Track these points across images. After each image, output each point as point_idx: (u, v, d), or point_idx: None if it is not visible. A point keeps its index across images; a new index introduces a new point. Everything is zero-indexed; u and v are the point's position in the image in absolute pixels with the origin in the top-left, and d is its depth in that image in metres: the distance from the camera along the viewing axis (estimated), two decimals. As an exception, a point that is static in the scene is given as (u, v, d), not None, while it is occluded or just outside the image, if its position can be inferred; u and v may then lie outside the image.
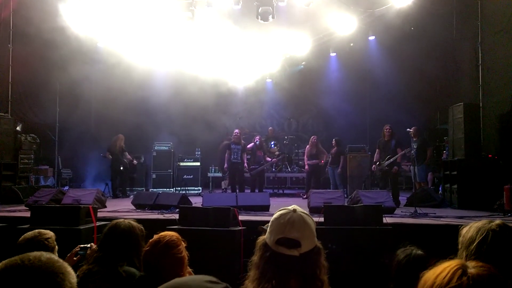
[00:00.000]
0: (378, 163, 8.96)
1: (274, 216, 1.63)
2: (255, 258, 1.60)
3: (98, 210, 6.46)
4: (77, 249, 3.18)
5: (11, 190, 8.96)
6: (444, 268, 1.06)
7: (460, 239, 1.97)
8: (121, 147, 11.13)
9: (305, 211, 1.63)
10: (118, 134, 11.23)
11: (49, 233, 2.84)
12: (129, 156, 11.34)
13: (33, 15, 10.16)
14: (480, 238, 1.87)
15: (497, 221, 1.95)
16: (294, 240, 1.52)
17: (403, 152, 8.69)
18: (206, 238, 4.94)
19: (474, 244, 1.87)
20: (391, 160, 8.63)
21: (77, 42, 10.81)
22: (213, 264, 4.52)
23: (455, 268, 1.05)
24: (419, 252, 2.54)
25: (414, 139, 9.13)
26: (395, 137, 8.88)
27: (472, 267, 1.06)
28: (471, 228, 1.95)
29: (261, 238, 1.62)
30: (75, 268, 3.00)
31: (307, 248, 1.54)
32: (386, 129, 8.93)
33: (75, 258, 3.15)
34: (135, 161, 11.76)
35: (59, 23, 10.53)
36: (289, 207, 1.63)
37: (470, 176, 8.14)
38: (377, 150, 9.20)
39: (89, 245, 3.21)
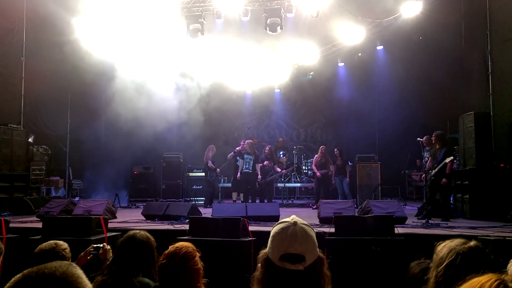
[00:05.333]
0: (426, 172, 8.32)
1: (275, 230, 1.58)
2: (257, 273, 1.57)
3: (109, 220, 6.48)
4: (90, 248, 3.23)
5: (22, 201, 9.04)
6: (483, 284, 1.02)
7: (434, 256, 1.93)
8: (207, 158, 11.52)
9: (305, 222, 1.59)
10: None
11: (65, 244, 2.89)
12: (210, 165, 11.55)
13: (45, 29, 10.35)
14: (449, 260, 1.83)
15: (472, 243, 1.89)
16: (298, 255, 1.50)
17: (452, 164, 7.98)
18: (216, 249, 4.93)
19: (443, 266, 1.84)
20: (436, 170, 7.97)
21: (88, 55, 10.97)
22: (224, 275, 4.51)
23: (496, 283, 1.01)
24: None
25: (427, 148, 8.99)
26: (446, 146, 8.10)
27: (510, 281, 1.02)
28: (444, 247, 1.91)
29: (263, 252, 1.59)
30: (87, 268, 3.03)
31: (311, 260, 1.52)
32: (432, 138, 8.31)
33: (88, 258, 3.18)
34: (218, 169, 11.72)
35: (71, 37, 10.72)
36: (289, 219, 1.59)
37: (482, 186, 8.03)
38: (429, 158, 8.48)
39: (101, 245, 3.25)
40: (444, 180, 7.86)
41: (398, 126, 13.00)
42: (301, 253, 1.50)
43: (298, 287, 1.49)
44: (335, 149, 11.40)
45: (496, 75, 9.58)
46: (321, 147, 11.38)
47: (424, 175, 8.34)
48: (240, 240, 5.12)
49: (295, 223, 1.56)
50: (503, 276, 1.04)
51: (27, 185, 10.26)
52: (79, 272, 1.13)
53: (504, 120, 9.09)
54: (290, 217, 1.62)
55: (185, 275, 2.41)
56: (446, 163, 7.80)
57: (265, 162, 11.30)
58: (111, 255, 3.16)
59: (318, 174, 10.87)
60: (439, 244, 1.96)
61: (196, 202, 10.98)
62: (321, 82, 14.72)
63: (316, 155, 11.27)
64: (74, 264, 1.16)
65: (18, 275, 1.07)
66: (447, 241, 1.94)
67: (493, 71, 9.68)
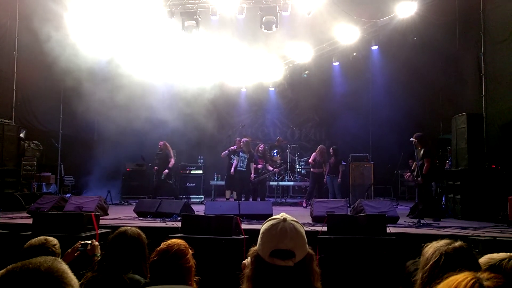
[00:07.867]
0: (411, 172, 8.47)
1: (264, 226, 1.58)
2: (247, 271, 1.57)
3: (101, 217, 6.44)
4: (78, 245, 3.20)
5: (13, 196, 8.95)
6: (459, 282, 1.03)
7: (421, 258, 1.93)
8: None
9: (294, 219, 1.59)
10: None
11: (55, 240, 2.85)
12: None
13: (38, 23, 10.24)
14: (433, 261, 1.84)
15: (457, 243, 1.90)
16: (288, 251, 1.50)
17: (429, 164, 8.05)
18: (209, 247, 4.92)
19: (428, 267, 1.84)
20: (417, 170, 8.13)
21: (81, 51, 10.87)
22: (216, 273, 4.49)
23: (471, 281, 1.01)
24: None
25: (419, 148, 9.02)
26: (425, 147, 8.25)
27: (486, 279, 1.02)
28: (430, 248, 1.91)
29: (253, 250, 1.59)
30: (77, 265, 3.00)
31: (300, 257, 1.52)
32: (413, 139, 8.38)
33: (75, 254, 3.16)
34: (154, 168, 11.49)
35: (64, 31, 10.62)
36: (279, 216, 1.59)
37: (474, 186, 8.11)
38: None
39: (89, 242, 3.22)
40: (419, 179, 7.99)
41: (392, 126, 13.04)
42: (291, 249, 1.50)
43: (288, 283, 1.48)
44: (331, 148, 11.37)
45: (489, 76, 9.64)
46: (321, 146, 11.41)
47: (410, 174, 8.48)
48: (232, 238, 5.11)
49: (284, 220, 1.56)
50: (478, 274, 1.04)
51: (18, 181, 10.16)
52: (64, 267, 1.12)
53: (496, 121, 9.15)
54: (279, 214, 1.62)
55: (177, 273, 2.38)
56: (423, 164, 7.94)
57: (259, 166, 11.27)
58: (100, 251, 3.13)
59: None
60: (426, 245, 1.96)
61: (189, 200, 10.95)
62: (315, 81, 14.73)
63: (313, 154, 11.28)
64: (59, 260, 1.15)
65: (1, 271, 1.06)
66: (434, 242, 1.94)
67: (486, 73, 9.74)
